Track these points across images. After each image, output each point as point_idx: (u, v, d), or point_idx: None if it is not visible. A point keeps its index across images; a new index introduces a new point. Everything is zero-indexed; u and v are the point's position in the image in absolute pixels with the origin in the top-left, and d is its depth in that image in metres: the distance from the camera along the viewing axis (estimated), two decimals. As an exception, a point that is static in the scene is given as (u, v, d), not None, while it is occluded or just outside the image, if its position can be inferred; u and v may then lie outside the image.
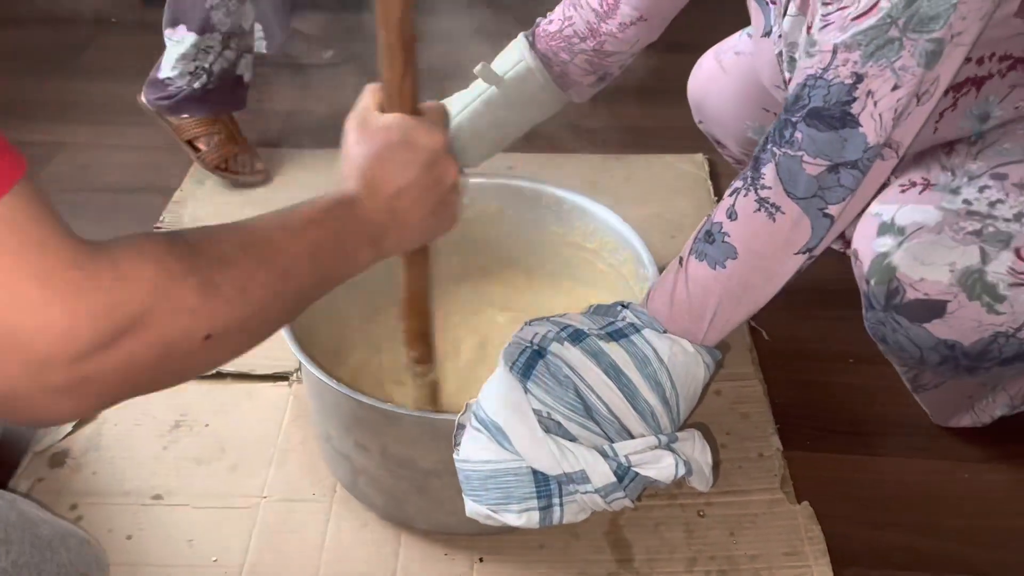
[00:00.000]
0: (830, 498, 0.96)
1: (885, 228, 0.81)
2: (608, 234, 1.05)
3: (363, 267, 0.65)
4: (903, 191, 0.84)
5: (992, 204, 0.79)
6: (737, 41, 1.20)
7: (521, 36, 1.04)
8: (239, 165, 1.46)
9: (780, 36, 0.87)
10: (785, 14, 0.83)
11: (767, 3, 0.90)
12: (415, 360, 0.86)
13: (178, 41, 1.41)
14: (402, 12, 0.64)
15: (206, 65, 1.42)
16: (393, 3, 0.64)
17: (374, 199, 0.64)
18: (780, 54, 0.89)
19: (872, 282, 0.81)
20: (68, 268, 0.42)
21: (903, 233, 0.80)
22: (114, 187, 1.49)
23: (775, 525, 0.93)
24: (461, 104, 1.05)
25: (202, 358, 0.51)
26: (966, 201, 0.80)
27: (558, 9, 1.03)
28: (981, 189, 0.80)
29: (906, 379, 1.04)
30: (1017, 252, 0.77)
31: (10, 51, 1.92)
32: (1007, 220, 0.78)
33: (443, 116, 0.70)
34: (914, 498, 0.98)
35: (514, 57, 1.03)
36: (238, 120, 1.51)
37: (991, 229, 0.78)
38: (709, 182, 1.47)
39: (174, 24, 1.41)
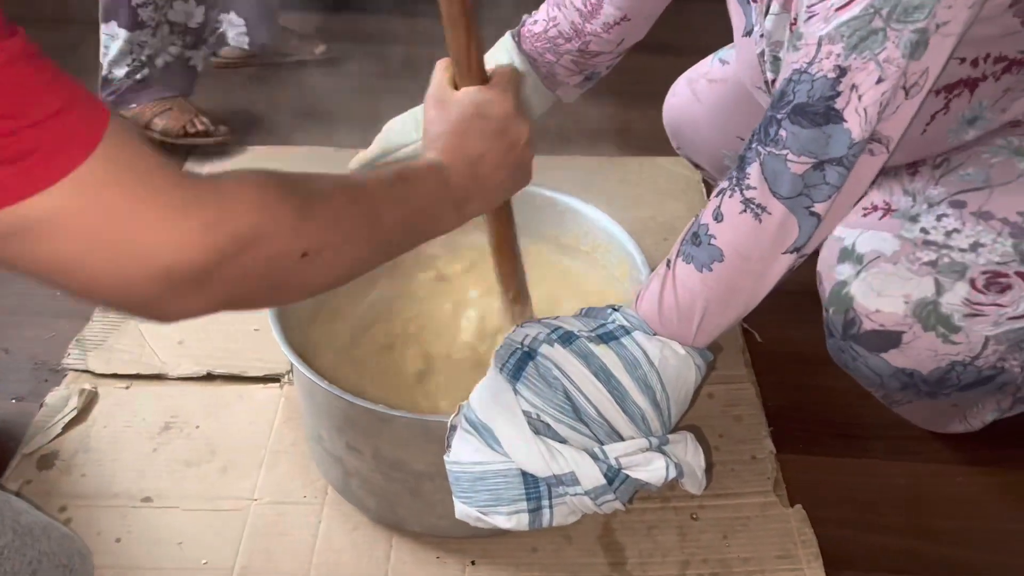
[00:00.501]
0: (823, 501, 0.96)
1: (845, 255, 0.81)
2: (602, 236, 1.04)
3: (449, 227, 0.70)
4: (865, 215, 0.84)
5: (948, 234, 0.79)
6: (710, 68, 1.19)
7: (508, 36, 1.03)
8: (201, 124, 1.49)
9: (762, 35, 0.86)
10: (768, 12, 0.82)
11: (748, 1, 0.89)
12: (512, 300, 0.90)
13: (112, 36, 1.46)
14: (463, 19, 0.69)
15: (143, 58, 1.46)
16: (455, 14, 0.68)
17: (457, 167, 0.69)
18: (762, 54, 0.88)
19: (831, 311, 0.82)
20: (174, 190, 0.49)
21: (861, 262, 0.80)
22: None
23: (768, 528, 0.93)
24: None
25: (301, 276, 0.57)
26: (923, 230, 0.80)
27: (542, 9, 1.02)
28: (939, 217, 0.80)
29: (878, 396, 1.04)
30: (972, 283, 0.77)
31: (2, 51, 1.91)
32: (962, 250, 0.78)
33: (512, 80, 0.73)
34: (907, 501, 0.98)
35: (502, 59, 1.02)
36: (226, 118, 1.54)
37: (946, 260, 0.78)
38: (702, 184, 1.47)
39: (107, 19, 1.45)
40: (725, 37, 1.21)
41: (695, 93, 1.19)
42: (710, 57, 1.20)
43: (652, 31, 1.04)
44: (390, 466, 0.85)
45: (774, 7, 0.81)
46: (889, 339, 0.79)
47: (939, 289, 0.77)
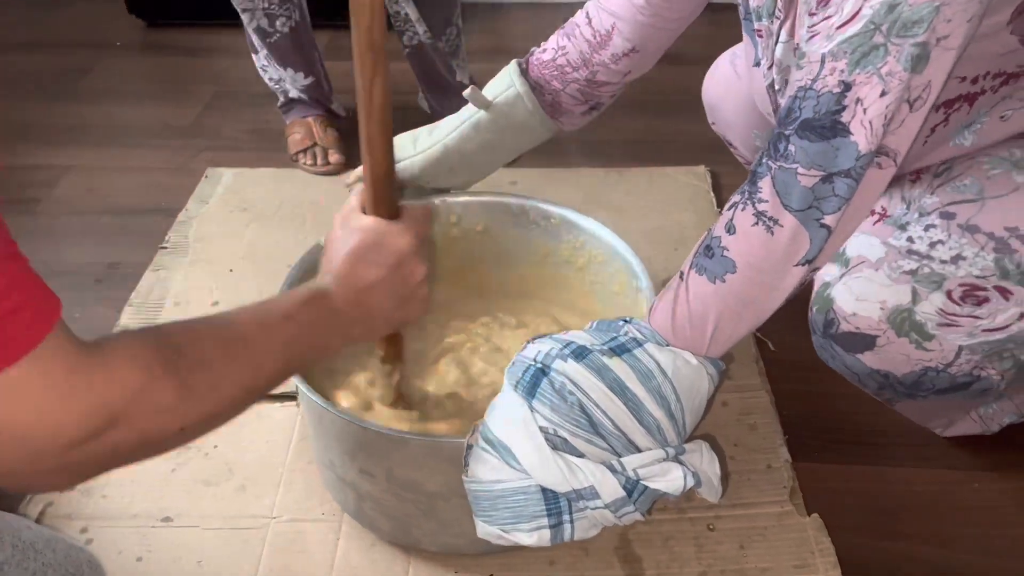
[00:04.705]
0: (840, 509, 0.96)
1: (835, 256, 0.83)
2: (597, 247, 1.03)
3: (334, 352, 0.73)
4: None
5: (932, 245, 0.80)
6: None
7: (513, 63, 1.04)
8: (308, 157, 1.60)
9: (771, 67, 0.87)
10: (777, 42, 0.84)
11: (756, 35, 0.90)
12: (380, 359, 0.89)
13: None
14: (383, 147, 0.72)
15: (276, 84, 1.65)
16: (376, 140, 0.71)
17: (345, 293, 0.72)
18: (771, 84, 0.89)
19: (814, 309, 0.85)
20: (69, 374, 0.49)
21: (847, 265, 0.83)
22: (120, 209, 1.50)
23: (785, 538, 0.93)
24: (451, 126, 1.05)
25: (175, 443, 0.59)
26: (910, 239, 0.82)
27: (552, 39, 1.03)
28: (927, 228, 0.82)
29: (871, 394, 1.04)
30: (948, 294, 0.79)
31: (16, 75, 1.94)
32: (943, 262, 0.79)
33: (421, 219, 0.76)
34: (924, 508, 0.98)
35: (504, 83, 1.03)
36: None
37: (926, 270, 0.80)
38: (711, 194, 1.47)
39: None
40: (732, 46, 1.22)
41: (736, 69, 1.19)
42: None
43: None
44: (403, 487, 0.84)
45: (782, 36, 0.82)
46: (864, 341, 0.82)
47: (915, 298, 0.79)
